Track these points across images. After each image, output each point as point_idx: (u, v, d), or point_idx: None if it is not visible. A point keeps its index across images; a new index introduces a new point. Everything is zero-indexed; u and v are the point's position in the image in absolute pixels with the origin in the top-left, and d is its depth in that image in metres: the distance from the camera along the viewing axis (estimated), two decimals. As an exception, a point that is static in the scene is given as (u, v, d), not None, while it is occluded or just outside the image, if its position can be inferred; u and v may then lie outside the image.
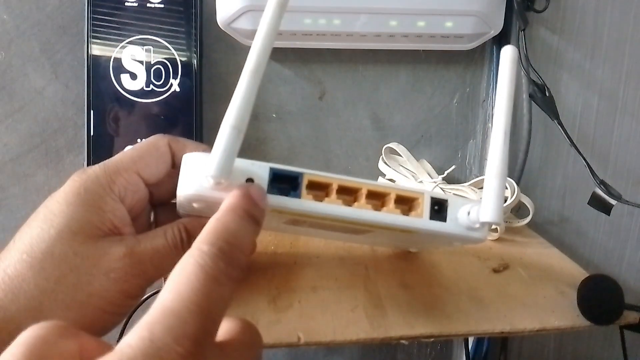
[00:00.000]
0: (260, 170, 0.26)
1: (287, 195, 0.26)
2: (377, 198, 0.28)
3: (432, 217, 0.28)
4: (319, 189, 0.27)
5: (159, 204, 0.33)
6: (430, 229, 0.28)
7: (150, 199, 0.32)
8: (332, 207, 0.27)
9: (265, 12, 0.24)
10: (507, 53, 0.27)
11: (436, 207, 0.28)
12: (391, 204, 0.28)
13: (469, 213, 0.28)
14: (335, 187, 0.27)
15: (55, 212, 0.27)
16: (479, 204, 0.27)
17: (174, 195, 0.33)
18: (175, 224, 0.30)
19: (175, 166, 0.32)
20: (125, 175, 0.29)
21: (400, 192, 0.28)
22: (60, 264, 0.26)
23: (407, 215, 0.28)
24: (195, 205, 0.28)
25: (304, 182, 0.27)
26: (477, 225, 0.27)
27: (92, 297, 0.26)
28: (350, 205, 0.27)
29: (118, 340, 0.39)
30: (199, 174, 0.25)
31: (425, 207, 0.28)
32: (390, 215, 0.27)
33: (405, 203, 0.28)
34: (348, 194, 0.28)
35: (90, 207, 0.27)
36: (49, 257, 0.25)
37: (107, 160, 0.29)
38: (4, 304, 0.25)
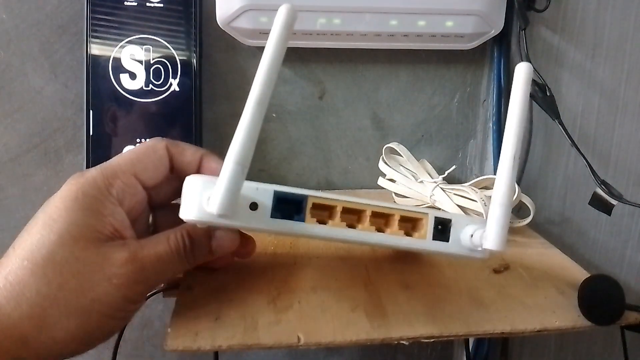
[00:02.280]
0: (265, 195, 0.26)
1: (291, 219, 0.27)
2: (381, 217, 0.28)
3: (435, 238, 0.28)
4: (323, 210, 0.27)
5: (158, 207, 0.33)
6: (433, 250, 0.28)
7: (149, 202, 0.32)
8: (337, 230, 0.27)
9: (270, 36, 0.24)
10: (522, 71, 0.25)
11: (439, 227, 0.28)
12: (395, 225, 0.28)
13: (472, 235, 0.28)
14: (339, 209, 0.27)
15: (55, 217, 0.26)
16: (483, 227, 0.27)
17: (172, 198, 0.33)
18: (179, 229, 0.29)
19: (173, 170, 0.31)
20: (123, 178, 0.29)
21: (405, 213, 0.28)
22: (62, 270, 0.25)
23: (411, 236, 0.28)
24: (198, 225, 0.28)
25: (308, 206, 0.27)
26: (479, 249, 0.27)
27: (95, 302, 0.26)
28: (354, 227, 0.27)
29: (117, 343, 0.40)
30: (203, 202, 0.26)
31: (429, 228, 0.28)
32: (393, 238, 0.28)
33: (409, 222, 0.28)
34: (352, 213, 0.28)
35: (89, 212, 0.27)
36: (50, 264, 0.25)
37: (103, 163, 0.29)
38: (6, 311, 0.24)
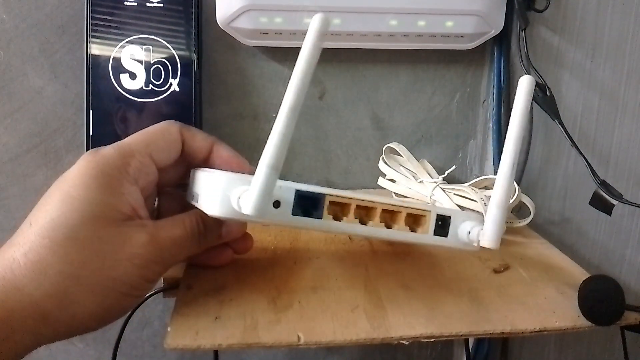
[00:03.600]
0: (287, 192, 0.28)
1: (309, 216, 0.28)
2: (388, 214, 0.31)
3: (435, 233, 0.31)
4: (338, 206, 0.29)
5: (162, 190, 0.33)
6: (433, 244, 0.31)
7: (156, 184, 0.32)
8: (350, 226, 0.29)
9: (304, 44, 0.24)
10: (524, 84, 0.28)
11: (440, 223, 0.31)
12: (402, 221, 0.30)
13: (469, 232, 0.30)
14: (353, 206, 0.29)
15: (74, 195, 0.26)
16: (479, 224, 0.30)
17: (176, 183, 0.34)
18: (193, 214, 0.30)
19: (183, 154, 0.32)
20: (139, 157, 0.29)
21: (411, 211, 0.30)
22: (84, 249, 0.26)
23: (415, 231, 0.31)
24: (220, 218, 0.29)
25: (326, 203, 0.28)
26: (475, 245, 0.30)
27: (116, 281, 0.26)
28: (365, 223, 0.30)
29: (116, 343, 0.40)
30: (232, 199, 0.26)
31: (431, 223, 0.31)
32: (400, 233, 0.30)
33: (412, 217, 0.31)
34: (363, 210, 0.30)
35: (108, 190, 0.27)
36: (72, 242, 0.26)
37: (118, 142, 0.29)
38: (28, 290, 0.25)
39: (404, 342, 0.29)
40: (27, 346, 0.25)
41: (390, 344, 0.29)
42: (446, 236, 0.31)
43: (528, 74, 0.46)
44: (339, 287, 0.33)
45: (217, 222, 0.31)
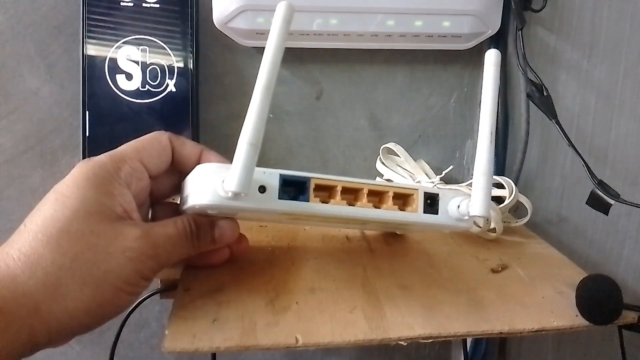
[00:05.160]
0: (271, 178, 0.28)
1: (296, 200, 0.29)
2: (376, 195, 0.31)
3: (425, 211, 0.31)
4: (325, 190, 0.30)
5: (155, 202, 0.34)
6: (424, 222, 0.31)
7: (150, 194, 0.32)
8: (338, 208, 0.29)
9: (272, 29, 0.26)
10: (491, 57, 0.30)
11: (429, 201, 0.31)
12: (390, 201, 0.30)
13: (458, 206, 0.30)
14: (339, 188, 0.29)
15: (67, 194, 0.27)
16: (468, 198, 0.30)
17: (170, 193, 0.35)
18: (185, 216, 0.31)
19: (173, 162, 0.32)
20: (131, 163, 0.30)
21: (397, 190, 0.31)
22: (77, 242, 0.26)
23: (404, 210, 0.31)
24: (209, 211, 0.30)
25: (311, 186, 0.29)
26: (466, 217, 0.30)
27: (109, 274, 0.26)
28: (353, 205, 0.30)
29: (114, 344, 0.39)
30: (217, 185, 0.27)
31: (419, 201, 0.31)
32: (389, 212, 0.30)
33: (402, 198, 0.31)
34: (350, 193, 0.30)
35: (101, 190, 0.28)
36: (65, 235, 0.26)
37: (111, 150, 0.30)
38: (21, 280, 0.25)
39: (402, 342, 0.29)
40: (23, 344, 0.25)
41: (388, 345, 0.29)
42: (436, 213, 0.31)
43: (525, 74, 0.46)
44: (337, 288, 0.33)
45: (210, 225, 0.31)
